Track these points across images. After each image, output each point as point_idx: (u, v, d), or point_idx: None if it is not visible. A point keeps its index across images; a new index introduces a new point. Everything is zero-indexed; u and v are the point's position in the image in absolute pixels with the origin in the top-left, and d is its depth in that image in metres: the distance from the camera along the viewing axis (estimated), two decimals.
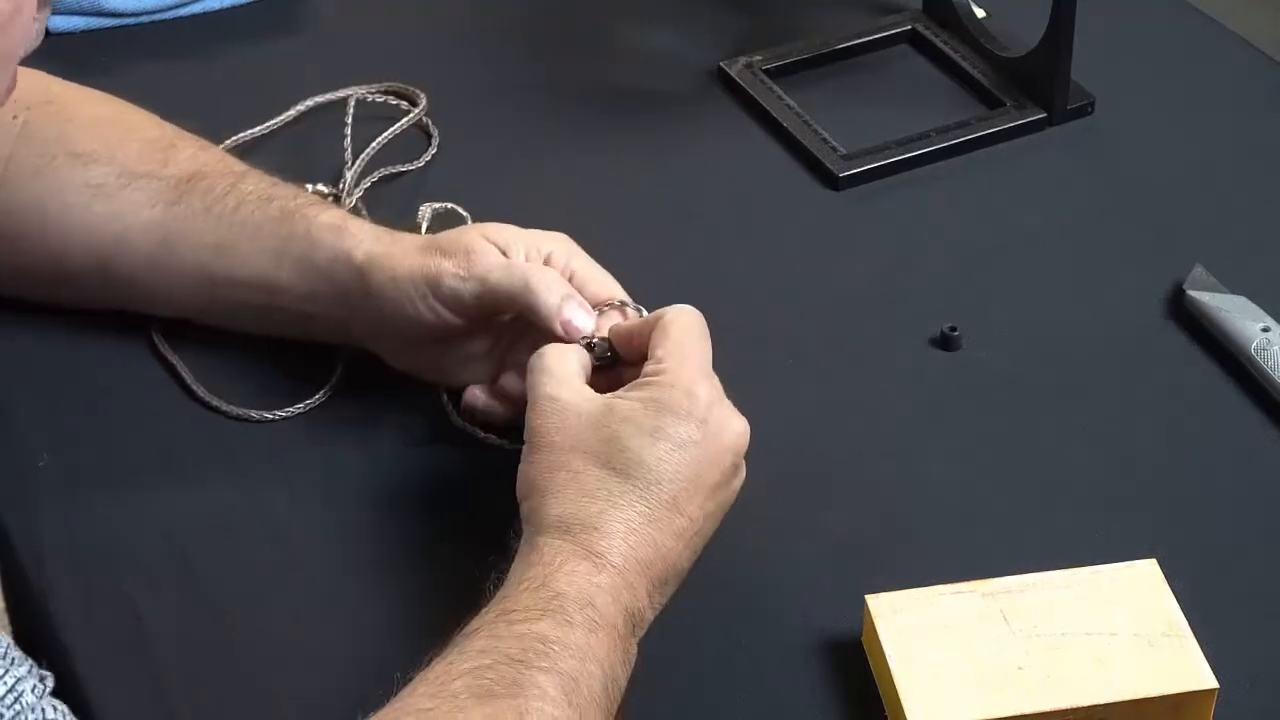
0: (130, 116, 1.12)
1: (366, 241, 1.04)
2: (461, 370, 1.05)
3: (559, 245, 1.03)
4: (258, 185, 1.08)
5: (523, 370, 0.98)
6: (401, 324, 1.02)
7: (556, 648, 0.84)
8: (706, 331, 0.96)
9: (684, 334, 0.95)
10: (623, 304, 1.01)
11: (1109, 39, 1.32)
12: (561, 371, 0.95)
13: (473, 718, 0.81)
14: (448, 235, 1.03)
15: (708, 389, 0.92)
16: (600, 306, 1.01)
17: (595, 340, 0.98)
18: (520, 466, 0.93)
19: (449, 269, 1.00)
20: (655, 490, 0.90)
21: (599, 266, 1.03)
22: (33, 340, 1.10)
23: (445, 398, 1.06)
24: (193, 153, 1.10)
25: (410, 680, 0.84)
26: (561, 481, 0.91)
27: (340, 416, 1.07)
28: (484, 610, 0.87)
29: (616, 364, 0.98)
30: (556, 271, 1.01)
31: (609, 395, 0.93)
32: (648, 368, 0.94)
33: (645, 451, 0.90)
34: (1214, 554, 0.98)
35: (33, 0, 0.75)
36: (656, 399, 0.92)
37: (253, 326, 1.09)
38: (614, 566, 0.88)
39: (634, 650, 0.89)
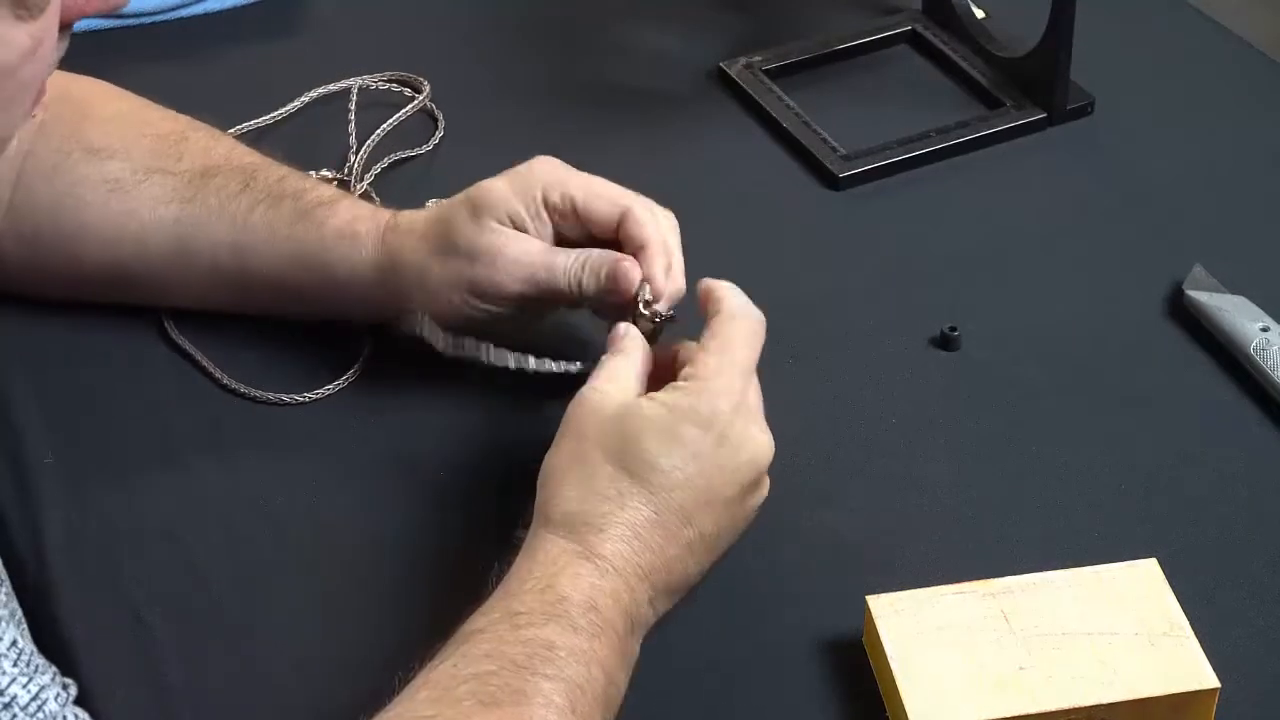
0: (144, 111, 1.12)
1: (376, 244, 1.04)
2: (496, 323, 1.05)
3: (548, 178, 1.03)
4: (267, 182, 1.08)
5: None
6: (437, 315, 1.03)
7: (563, 654, 0.84)
8: (761, 336, 0.96)
9: (733, 339, 0.95)
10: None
11: (1109, 39, 1.32)
12: (617, 370, 0.95)
13: None
14: (462, 236, 1.02)
15: (736, 402, 0.92)
16: (640, 255, 1.00)
17: (653, 306, 0.99)
18: (548, 452, 0.93)
19: (483, 274, 1.01)
20: (665, 496, 0.90)
21: (596, 179, 1.03)
22: (37, 335, 1.10)
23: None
24: (205, 146, 1.10)
25: (411, 680, 0.84)
26: (577, 475, 0.91)
27: (347, 409, 1.07)
28: (488, 607, 0.87)
29: (673, 321, 0.99)
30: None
31: (643, 396, 0.93)
32: (685, 370, 0.94)
33: (660, 456, 0.90)
34: (1214, 554, 0.98)
35: (54, 31, 0.75)
36: (681, 405, 0.92)
37: (275, 314, 1.09)
38: (615, 570, 0.88)
39: (635, 650, 0.89)
